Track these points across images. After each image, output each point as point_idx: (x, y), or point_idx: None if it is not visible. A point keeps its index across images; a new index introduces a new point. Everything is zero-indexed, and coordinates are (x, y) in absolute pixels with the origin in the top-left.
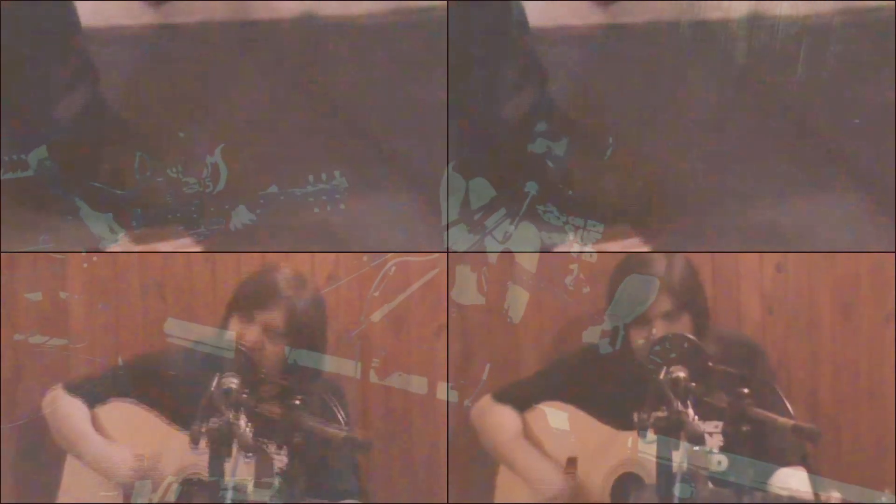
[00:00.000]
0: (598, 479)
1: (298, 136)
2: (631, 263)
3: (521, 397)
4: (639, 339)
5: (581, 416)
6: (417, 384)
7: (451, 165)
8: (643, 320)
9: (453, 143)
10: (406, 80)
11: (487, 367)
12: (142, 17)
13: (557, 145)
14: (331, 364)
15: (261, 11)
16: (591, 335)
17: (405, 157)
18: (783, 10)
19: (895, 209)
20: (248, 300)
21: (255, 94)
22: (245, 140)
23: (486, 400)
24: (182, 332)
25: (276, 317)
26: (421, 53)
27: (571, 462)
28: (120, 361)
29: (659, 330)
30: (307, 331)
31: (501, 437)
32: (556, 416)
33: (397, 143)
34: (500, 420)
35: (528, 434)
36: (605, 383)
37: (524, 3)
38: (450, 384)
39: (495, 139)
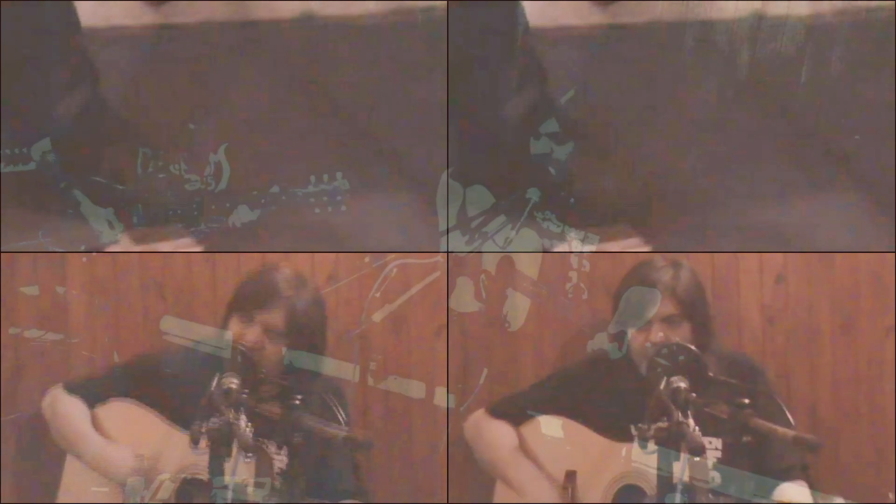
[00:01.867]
0: (597, 491)
1: (299, 137)
2: (639, 272)
3: (517, 411)
4: (637, 342)
5: (578, 428)
6: (415, 389)
7: (448, 172)
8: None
9: (453, 144)
10: (406, 80)
11: (484, 371)
12: (142, 17)
13: (561, 149)
14: (329, 367)
15: (261, 11)
16: (599, 341)
17: (405, 157)
18: (783, 10)
19: (895, 209)
20: (248, 300)
21: (255, 94)
22: (246, 140)
23: (481, 414)
24: (179, 331)
25: (276, 317)
26: (421, 53)
27: (570, 476)
28: (117, 360)
29: (658, 333)
30: (307, 331)
31: (497, 453)
32: (550, 425)
33: (397, 143)
34: (495, 435)
35: (524, 448)
36: (603, 394)
37: (524, 3)
38: (448, 387)
39: (497, 140)
